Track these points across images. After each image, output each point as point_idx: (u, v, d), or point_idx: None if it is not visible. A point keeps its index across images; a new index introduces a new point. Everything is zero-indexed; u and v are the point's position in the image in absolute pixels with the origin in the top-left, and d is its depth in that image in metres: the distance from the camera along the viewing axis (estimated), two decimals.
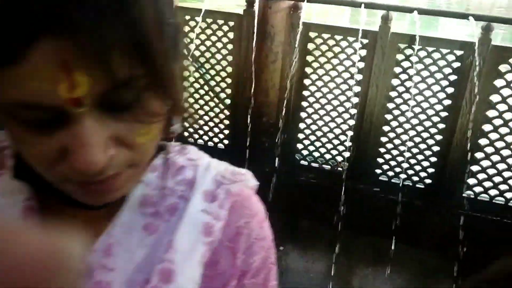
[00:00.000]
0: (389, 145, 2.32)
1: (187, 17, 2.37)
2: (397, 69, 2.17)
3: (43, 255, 0.25)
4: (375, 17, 2.26)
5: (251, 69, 2.32)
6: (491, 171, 2.17)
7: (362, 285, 2.28)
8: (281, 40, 2.29)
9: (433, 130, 2.21)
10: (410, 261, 2.30)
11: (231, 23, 2.35)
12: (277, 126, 2.38)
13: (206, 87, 2.51)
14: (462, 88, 2.09)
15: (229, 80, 2.45)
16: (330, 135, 2.40)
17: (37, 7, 0.28)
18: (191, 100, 2.52)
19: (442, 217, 2.26)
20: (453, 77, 2.11)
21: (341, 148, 2.39)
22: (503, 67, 2.01)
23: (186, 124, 2.81)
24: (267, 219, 0.54)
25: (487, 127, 2.12)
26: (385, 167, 2.35)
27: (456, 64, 2.09)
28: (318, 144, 2.43)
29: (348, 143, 2.36)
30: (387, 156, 2.33)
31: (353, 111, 2.30)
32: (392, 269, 2.29)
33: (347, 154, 2.38)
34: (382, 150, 2.33)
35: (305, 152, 2.47)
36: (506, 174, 2.16)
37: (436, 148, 2.24)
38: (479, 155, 2.16)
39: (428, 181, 2.31)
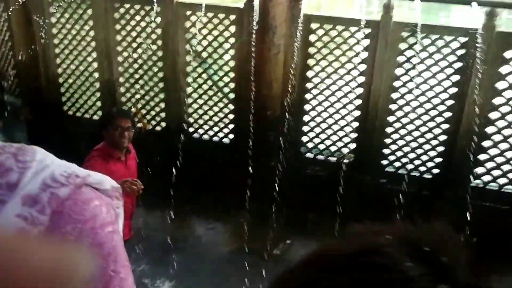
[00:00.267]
0: (395, 136, 2.28)
1: (188, 13, 2.37)
2: (401, 58, 2.14)
3: (55, 268, 0.27)
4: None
5: (253, 62, 2.31)
6: (500, 160, 2.13)
7: None
8: (283, 33, 2.27)
9: (439, 119, 2.18)
10: None
11: (232, 17, 2.34)
12: (281, 119, 2.36)
13: (209, 82, 2.51)
14: (468, 75, 2.05)
15: (232, 74, 2.45)
16: (335, 127, 2.37)
17: None
18: (195, 95, 2.52)
19: (450, 208, 2.22)
20: (458, 65, 2.07)
21: (346, 139, 2.37)
22: (508, 54, 1.97)
23: (191, 120, 2.79)
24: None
25: (494, 115, 2.08)
26: (392, 157, 2.32)
27: (460, 51, 2.05)
28: (323, 136, 2.41)
29: (353, 135, 2.34)
30: (393, 147, 2.30)
31: (358, 101, 2.27)
32: None
33: (352, 146, 2.36)
34: (388, 140, 2.29)
35: (310, 145, 2.46)
36: None
37: (443, 138, 2.21)
38: (487, 143, 2.12)
39: (435, 171, 2.27)
